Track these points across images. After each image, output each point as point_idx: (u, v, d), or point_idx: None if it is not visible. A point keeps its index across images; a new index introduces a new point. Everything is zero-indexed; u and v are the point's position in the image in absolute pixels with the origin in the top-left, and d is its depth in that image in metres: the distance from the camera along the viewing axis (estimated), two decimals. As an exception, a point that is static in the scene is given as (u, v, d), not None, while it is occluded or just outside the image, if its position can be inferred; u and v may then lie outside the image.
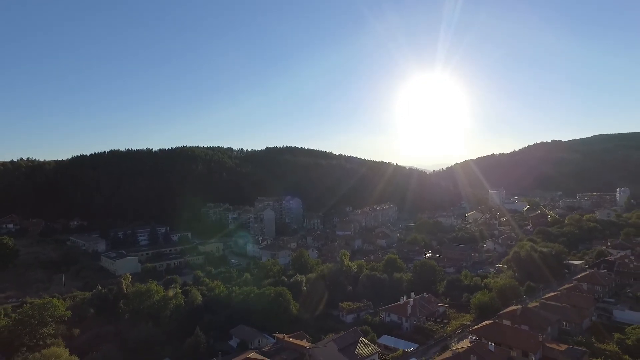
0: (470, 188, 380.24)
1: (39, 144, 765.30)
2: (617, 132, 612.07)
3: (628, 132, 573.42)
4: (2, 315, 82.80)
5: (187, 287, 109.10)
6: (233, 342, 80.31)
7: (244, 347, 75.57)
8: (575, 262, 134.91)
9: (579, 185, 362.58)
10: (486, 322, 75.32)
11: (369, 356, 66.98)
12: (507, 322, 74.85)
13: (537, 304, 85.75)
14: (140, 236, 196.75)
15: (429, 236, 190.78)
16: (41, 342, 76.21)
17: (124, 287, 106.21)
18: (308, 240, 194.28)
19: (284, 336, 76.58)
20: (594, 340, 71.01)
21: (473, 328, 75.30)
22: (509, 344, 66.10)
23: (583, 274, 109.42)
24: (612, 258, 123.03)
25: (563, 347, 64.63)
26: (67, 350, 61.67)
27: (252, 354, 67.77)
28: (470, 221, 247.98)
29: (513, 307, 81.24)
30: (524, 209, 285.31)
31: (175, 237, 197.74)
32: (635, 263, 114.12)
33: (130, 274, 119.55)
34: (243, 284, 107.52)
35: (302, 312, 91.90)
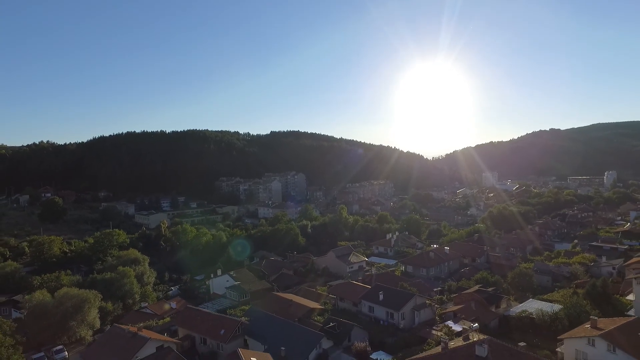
0: (469, 173, 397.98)
1: (50, 130, 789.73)
2: (614, 120, 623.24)
3: (624, 120, 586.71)
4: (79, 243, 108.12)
5: (213, 232, 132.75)
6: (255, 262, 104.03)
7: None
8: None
9: (575, 172, 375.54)
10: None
11: (358, 262, 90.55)
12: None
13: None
14: (163, 202, 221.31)
15: (419, 204, 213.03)
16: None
17: (163, 229, 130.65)
18: (311, 206, 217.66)
19: (294, 253, 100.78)
20: (529, 255, 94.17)
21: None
22: (462, 253, 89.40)
23: (539, 223, 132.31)
24: (568, 213, 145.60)
25: (500, 254, 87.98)
26: (139, 252, 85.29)
27: (272, 258, 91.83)
28: (460, 196, 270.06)
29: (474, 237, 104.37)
30: (514, 189, 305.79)
31: (193, 205, 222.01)
32: (583, 215, 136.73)
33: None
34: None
35: (308, 244, 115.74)
